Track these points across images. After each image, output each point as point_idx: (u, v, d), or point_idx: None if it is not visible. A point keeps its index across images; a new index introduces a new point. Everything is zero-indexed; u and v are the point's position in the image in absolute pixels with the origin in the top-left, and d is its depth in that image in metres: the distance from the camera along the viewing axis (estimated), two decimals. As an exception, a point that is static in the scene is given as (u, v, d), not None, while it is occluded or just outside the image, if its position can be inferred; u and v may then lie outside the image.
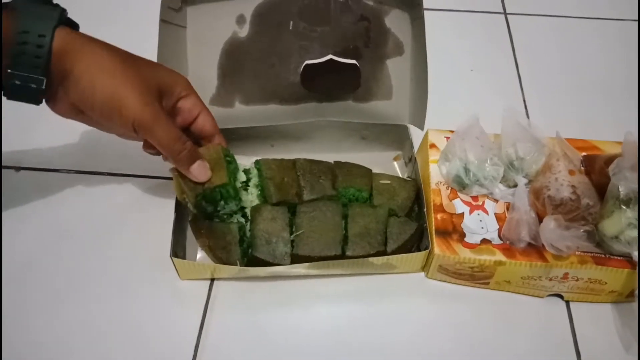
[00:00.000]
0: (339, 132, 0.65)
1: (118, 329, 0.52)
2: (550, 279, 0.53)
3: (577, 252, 0.52)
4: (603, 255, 0.52)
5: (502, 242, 0.53)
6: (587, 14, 0.86)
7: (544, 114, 0.71)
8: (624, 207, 0.49)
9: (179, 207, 0.54)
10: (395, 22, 0.58)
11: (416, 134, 0.61)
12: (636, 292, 0.49)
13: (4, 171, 0.62)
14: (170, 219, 0.53)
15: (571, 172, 0.53)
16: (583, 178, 0.53)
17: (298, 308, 0.54)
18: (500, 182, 0.56)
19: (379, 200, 0.56)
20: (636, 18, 0.85)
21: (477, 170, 0.55)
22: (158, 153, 0.51)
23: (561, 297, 0.55)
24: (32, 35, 0.43)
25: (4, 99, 0.47)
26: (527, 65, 0.78)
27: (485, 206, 0.56)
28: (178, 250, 0.54)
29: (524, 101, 0.73)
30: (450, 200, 0.56)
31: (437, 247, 0.52)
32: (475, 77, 0.76)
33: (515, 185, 0.55)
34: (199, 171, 0.49)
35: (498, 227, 0.54)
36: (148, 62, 0.50)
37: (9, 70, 0.44)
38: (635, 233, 0.49)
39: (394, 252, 0.53)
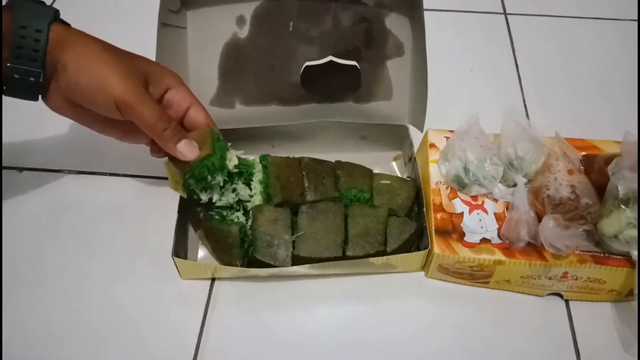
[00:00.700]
0: (339, 132, 0.65)
1: (119, 328, 0.52)
2: (550, 278, 0.53)
3: (576, 252, 0.52)
4: (602, 255, 0.52)
5: (501, 241, 0.53)
6: (587, 14, 0.86)
7: (544, 114, 0.71)
8: (623, 207, 0.49)
9: (182, 207, 0.54)
10: (396, 23, 0.58)
11: (416, 134, 0.61)
12: (635, 291, 0.50)
13: (7, 172, 0.63)
14: (172, 219, 0.53)
15: (570, 172, 0.53)
16: (582, 177, 0.54)
17: (298, 308, 0.54)
18: (500, 182, 0.57)
19: (379, 200, 0.56)
20: (636, 18, 0.85)
21: (476, 170, 0.55)
22: (165, 154, 0.51)
23: (560, 296, 0.55)
24: (29, 30, 0.46)
25: (4, 98, 0.48)
26: (527, 65, 0.78)
27: (485, 206, 0.56)
28: (179, 250, 0.54)
29: (524, 101, 0.73)
30: (450, 200, 0.56)
31: (437, 246, 0.53)
32: (475, 77, 0.76)
33: (515, 185, 0.56)
34: (187, 149, 0.49)
35: (497, 226, 0.54)
36: (139, 56, 0.51)
37: (9, 64, 0.46)
38: (634, 232, 0.49)
39: (394, 252, 0.53)
